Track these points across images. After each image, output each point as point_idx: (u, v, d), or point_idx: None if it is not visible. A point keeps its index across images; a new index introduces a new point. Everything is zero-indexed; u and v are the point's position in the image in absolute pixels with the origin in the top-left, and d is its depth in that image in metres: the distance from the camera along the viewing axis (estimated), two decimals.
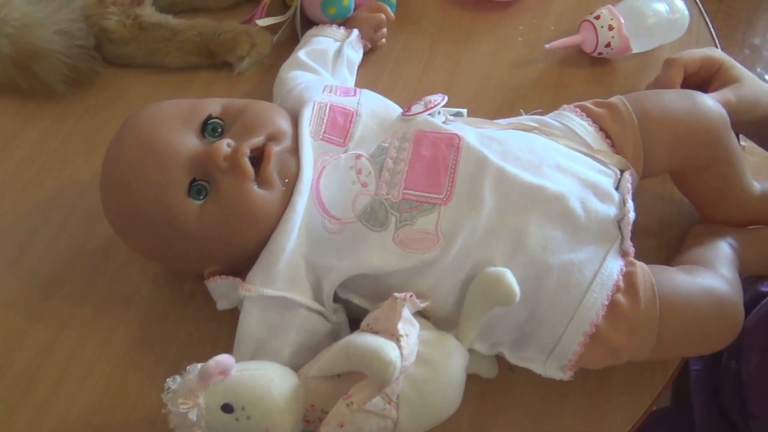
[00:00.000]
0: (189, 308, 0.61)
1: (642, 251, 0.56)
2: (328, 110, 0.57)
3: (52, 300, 0.61)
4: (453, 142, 0.53)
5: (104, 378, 0.58)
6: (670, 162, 0.60)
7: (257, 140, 0.52)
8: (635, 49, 0.74)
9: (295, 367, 0.51)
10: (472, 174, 0.52)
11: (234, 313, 0.55)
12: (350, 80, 0.72)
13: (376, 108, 0.58)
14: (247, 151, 0.51)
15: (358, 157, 0.54)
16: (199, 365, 0.48)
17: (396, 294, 0.48)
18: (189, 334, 0.60)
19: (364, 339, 0.46)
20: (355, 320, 0.54)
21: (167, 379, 0.48)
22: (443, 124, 0.55)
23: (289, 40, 0.76)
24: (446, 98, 0.58)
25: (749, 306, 0.58)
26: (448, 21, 0.81)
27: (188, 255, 0.55)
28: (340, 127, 0.56)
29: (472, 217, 0.51)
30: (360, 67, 0.74)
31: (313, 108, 0.57)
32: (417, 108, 0.56)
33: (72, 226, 0.65)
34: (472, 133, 0.55)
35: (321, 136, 0.55)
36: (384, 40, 0.77)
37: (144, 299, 0.62)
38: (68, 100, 0.73)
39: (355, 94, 0.59)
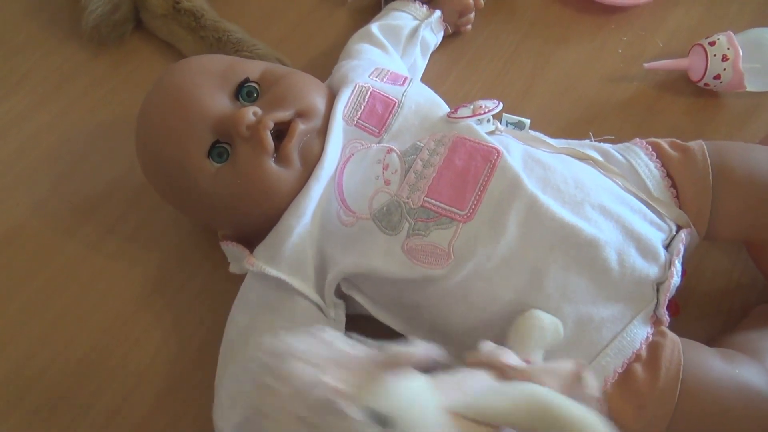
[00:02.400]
0: (207, 263, 0.61)
1: (689, 319, 0.50)
2: (368, 96, 0.53)
3: (86, 224, 0.63)
4: (490, 157, 0.49)
5: (113, 312, 0.59)
6: (742, 230, 0.52)
7: (285, 114, 0.50)
8: (750, 87, 0.65)
9: None
10: (502, 196, 0.47)
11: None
12: (421, 63, 0.67)
13: (421, 102, 0.54)
14: (271, 124, 0.49)
15: (389, 151, 0.51)
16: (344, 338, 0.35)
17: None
18: (201, 289, 0.60)
19: (569, 405, 0.37)
20: (353, 317, 0.51)
21: (280, 331, 0.34)
22: (488, 135, 0.50)
23: (371, 7, 0.72)
24: (501, 105, 0.53)
25: None
26: (545, 17, 0.73)
27: (200, 212, 0.54)
28: (377, 115, 0.52)
29: (489, 243, 0.47)
30: (437, 51, 0.70)
31: (353, 91, 0.53)
32: (464, 111, 0.52)
33: (118, 158, 0.66)
34: (518, 150, 0.50)
35: (355, 122, 0.52)
36: (469, 26, 0.71)
37: (167, 245, 0.62)
38: (138, 37, 0.73)
39: (403, 84, 0.55)
